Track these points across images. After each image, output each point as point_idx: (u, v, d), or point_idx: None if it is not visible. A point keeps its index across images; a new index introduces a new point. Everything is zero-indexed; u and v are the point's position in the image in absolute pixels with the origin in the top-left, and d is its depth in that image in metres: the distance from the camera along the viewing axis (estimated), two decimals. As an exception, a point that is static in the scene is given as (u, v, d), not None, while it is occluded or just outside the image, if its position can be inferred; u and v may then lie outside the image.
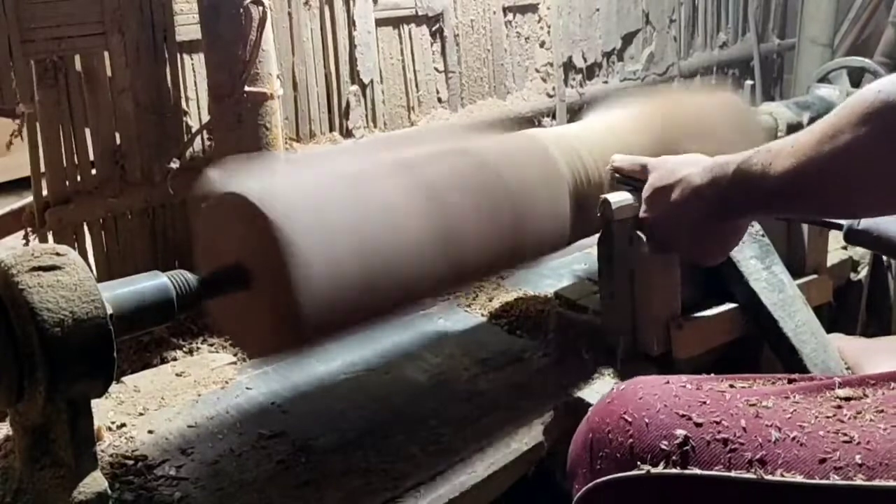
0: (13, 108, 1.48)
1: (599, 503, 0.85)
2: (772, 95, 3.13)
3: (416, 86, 2.07)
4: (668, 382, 0.90)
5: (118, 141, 1.59)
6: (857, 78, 2.20)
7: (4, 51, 1.42)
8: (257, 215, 1.02)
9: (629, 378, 0.95)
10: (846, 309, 1.90)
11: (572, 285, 1.63)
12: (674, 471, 0.78)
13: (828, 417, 0.82)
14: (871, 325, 2.01)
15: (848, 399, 0.85)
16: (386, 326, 1.36)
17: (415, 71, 2.06)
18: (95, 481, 0.91)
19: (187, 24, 1.61)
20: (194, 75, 1.66)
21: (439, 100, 2.12)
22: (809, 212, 1.17)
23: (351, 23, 1.89)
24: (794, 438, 0.79)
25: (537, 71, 2.35)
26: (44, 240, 1.55)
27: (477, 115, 2.17)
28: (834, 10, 2.86)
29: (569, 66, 2.42)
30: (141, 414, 1.27)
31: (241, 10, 1.46)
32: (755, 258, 1.37)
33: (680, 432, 0.80)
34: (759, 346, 1.41)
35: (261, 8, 1.48)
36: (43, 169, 1.53)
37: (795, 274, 1.44)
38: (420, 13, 2.03)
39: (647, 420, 0.83)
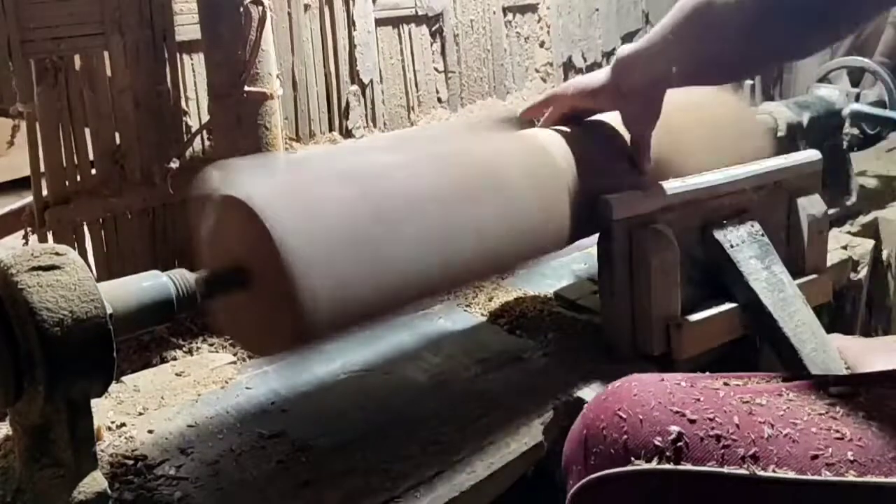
0: (13, 108, 1.48)
1: (592, 499, 0.85)
2: (771, 95, 3.12)
3: (416, 86, 2.07)
4: (662, 380, 0.91)
5: (118, 141, 1.59)
6: (856, 78, 2.20)
7: (4, 51, 1.42)
8: (257, 216, 1.02)
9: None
10: (846, 309, 1.91)
11: (572, 285, 1.63)
12: (667, 466, 0.79)
13: (820, 415, 0.83)
14: (871, 324, 2.01)
15: (841, 397, 0.86)
16: (386, 326, 1.36)
17: (414, 71, 2.06)
18: (95, 481, 0.91)
19: (187, 24, 1.61)
20: (194, 75, 1.66)
21: (439, 100, 2.12)
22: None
23: (351, 23, 1.89)
24: (786, 435, 0.80)
25: (537, 71, 2.35)
26: (43, 239, 1.55)
27: (477, 115, 2.17)
28: (834, 10, 2.85)
29: (569, 66, 2.42)
30: (141, 413, 1.27)
31: (241, 10, 1.46)
32: (755, 258, 1.37)
33: (674, 428, 0.81)
34: (758, 346, 1.41)
35: (260, 8, 1.48)
36: (42, 169, 1.53)
37: (795, 274, 1.44)
38: (420, 13, 2.03)
39: (641, 416, 0.84)
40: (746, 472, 0.77)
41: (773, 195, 1.47)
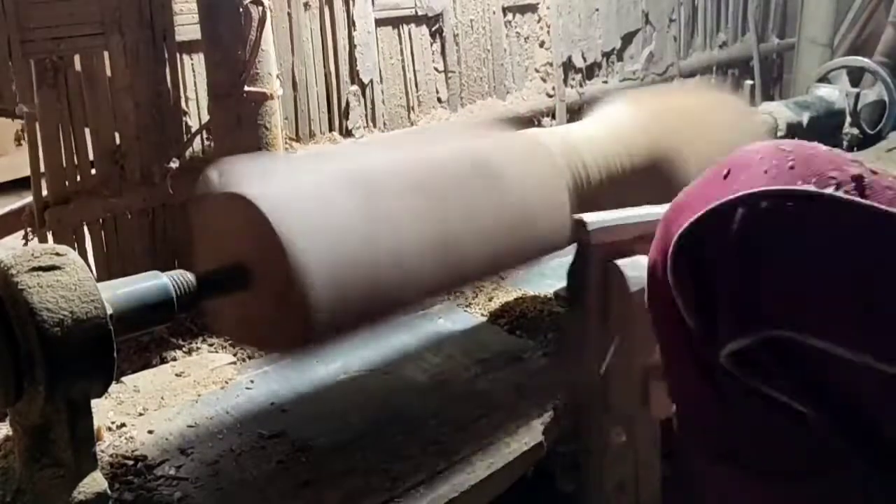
0: (13, 109, 1.48)
1: (736, 217, 0.70)
2: (771, 95, 3.12)
3: (416, 86, 2.07)
4: None
5: (118, 141, 1.59)
6: (856, 77, 2.20)
7: (4, 51, 1.42)
8: (261, 215, 1.02)
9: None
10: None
11: (572, 285, 1.63)
12: (844, 195, 0.67)
13: None
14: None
15: None
16: (386, 327, 1.36)
17: (414, 71, 2.06)
18: (95, 481, 0.91)
19: (187, 24, 1.61)
20: (194, 75, 1.66)
21: (439, 100, 2.12)
22: None
23: (351, 23, 1.89)
24: None
25: (537, 71, 2.35)
26: (43, 240, 1.55)
27: (477, 115, 2.17)
28: (833, 11, 2.86)
29: (568, 65, 2.42)
30: (141, 414, 1.27)
31: (241, 10, 1.46)
32: None
33: (854, 170, 0.69)
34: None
35: (260, 8, 1.48)
36: (42, 169, 1.53)
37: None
38: (420, 13, 2.03)
39: (811, 152, 0.73)
40: None
41: None
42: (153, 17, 1.57)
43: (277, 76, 1.58)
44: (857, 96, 2.10)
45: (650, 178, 1.41)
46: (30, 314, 0.83)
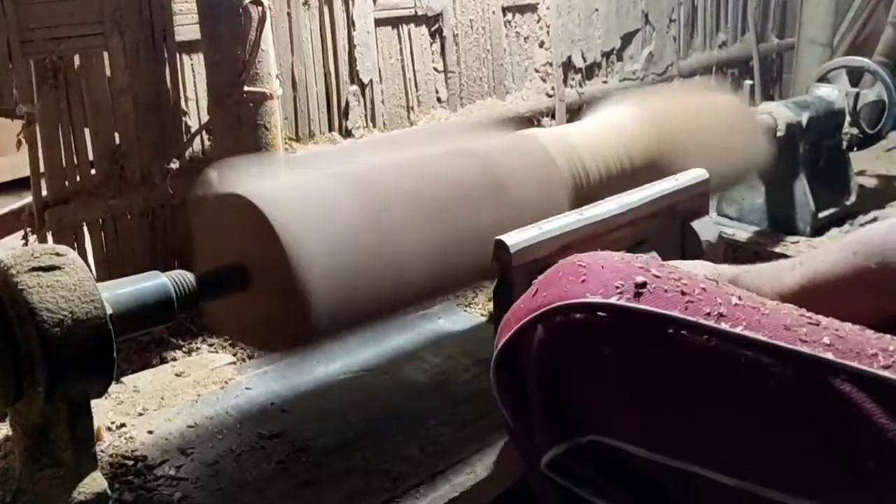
0: (13, 109, 1.47)
1: (537, 334, 0.77)
2: (771, 95, 3.13)
3: (416, 86, 2.07)
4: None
5: (117, 141, 1.59)
6: (856, 77, 2.20)
7: (4, 51, 1.42)
8: (258, 216, 1.02)
9: None
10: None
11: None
12: (625, 303, 0.72)
13: (793, 309, 0.75)
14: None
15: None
16: (386, 326, 1.36)
17: (414, 71, 2.06)
18: (95, 481, 0.91)
19: (186, 24, 1.61)
20: (194, 75, 1.66)
21: (438, 100, 2.12)
22: None
23: (350, 23, 1.89)
24: (755, 308, 0.72)
25: (536, 71, 2.35)
26: (43, 240, 1.55)
27: (476, 115, 2.16)
28: (833, 10, 2.86)
29: (568, 65, 2.42)
30: (140, 414, 1.27)
31: (241, 10, 1.46)
32: None
33: (640, 278, 0.74)
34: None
35: (260, 8, 1.48)
36: (42, 169, 1.53)
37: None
38: (419, 13, 2.03)
39: (603, 265, 0.78)
40: (714, 324, 0.69)
41: (667, 221, 1.33)
42: (153, 18, 1.57)
43: (277, 76, 1.58)
44: (857, 96, 2.09)
45: (650, 178, 1.41)
46: (30, 314, 0.84)
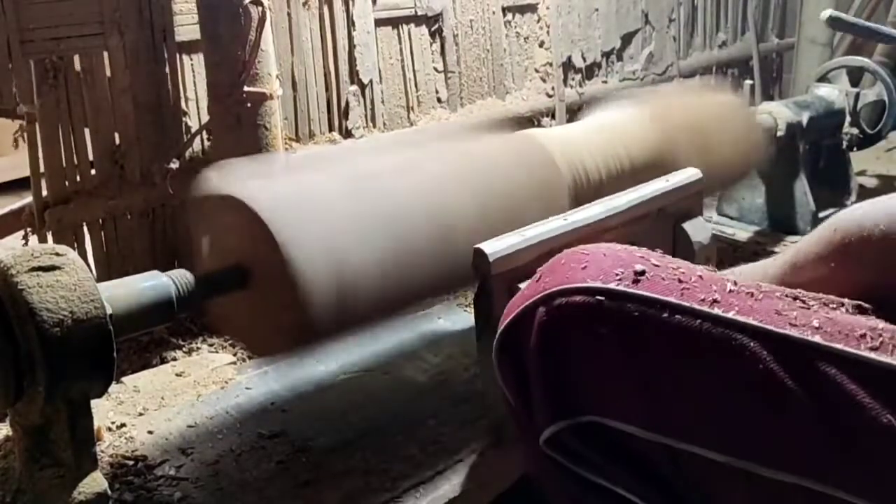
0: (14, 109, 1.48)
1: (538, 316, 0.79)
2: (771, 95, 3.13)
3: (416, 86, 2.07)
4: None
5: (117, 141, 1.59)
6: (856, 77, 2.20)
7: (4, 51, 1.42)
8: (257, 217, 1.02)
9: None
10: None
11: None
12: (624, 288, 0.75)
13: (786, 295, 0.78)
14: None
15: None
16: (386, 326, 1.36)
17: (414, 71, 2.06)
18: (95, 481, 0.91)
19: (186, 25, 1.61)
20: (194, 75, 1.66)
21: (438, 100, 2.12)
22: None
23: (350, 23, 1.89)
24: (749, 293, 0.75)
25: (536, 71, 2.35)
26: (43, 240, 1.55)
27: (476, 115, 2.17)
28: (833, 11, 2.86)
29: (568, 65, 2.42)
30: (141, 414, 1.27)
31: (241, 10, 1.46)
32: None
33: (639, 266, 0.78)
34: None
35: (260, 8, 1.48)
36: (42, 169, 1.53)
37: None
38: (419, 13, 2.03)
39: (605, 253, 0.81)
40: (707, 309, 0.73)
41: (658, 223, 1.31)
42: (153, 18, 1.57)
43: (277, 76, 1.58)
44: (857, 96, 2.09)
45: (650, 178, 1.41)
46: (30, 314, 0.84)
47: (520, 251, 1.08)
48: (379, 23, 1.96)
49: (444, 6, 2.07)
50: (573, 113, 2.38)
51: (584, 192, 1.37)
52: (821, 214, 2.02)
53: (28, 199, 1.60)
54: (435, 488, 1.08)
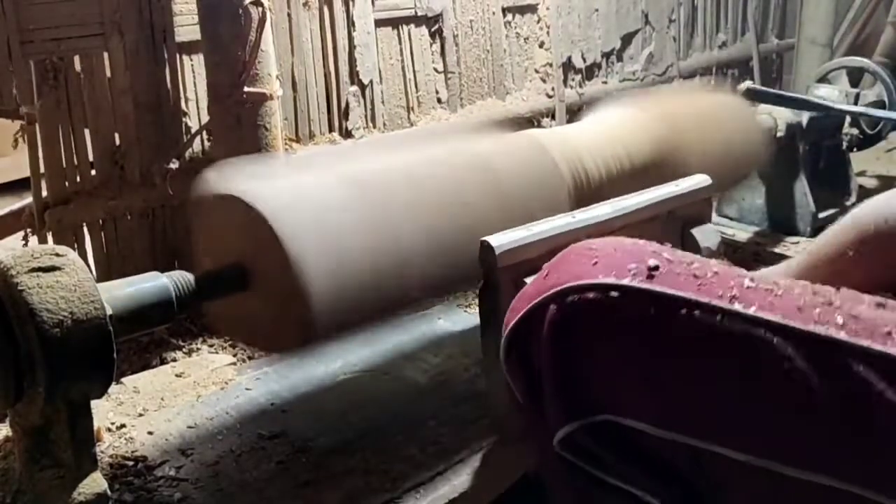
0: (14, 109, 1.48)
1: (549, 313, 0.77)
2: (771, 95, 3.12)
3: (416, 86, 2.07)
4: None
5: (117, 142, 1.59)
6: (856, 78, 2.20)
7: (4, 52, 1.42)
8: (257, 217, 1.02)
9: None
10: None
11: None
12: (637, 284, 0.73)
13: (809, 289, 0.76)
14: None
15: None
16: (386, 327, 1.36)
17: (414, 71, 2.06)
18: (95, 482, 0.91)
19: (187, 25, 1.61)
20: (194, 76, 1.66)
21: (439, 100, 2.12)
22: None
23: (350, 23, 1.89)
24: (768, 290, 0.72)
25: (536, 71, 2.35)
26: (43, 240, 1.55)
27: (476, 116, 2.16)
28: (833, 11, 2.86)
29: (568, 66, 2.42)
30: (141, 415, 1.27)
31: (241, 10, 1.46)
32: None
33: (652, 261, 0.75)
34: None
35: (260, 9, 1.48)
36: (42, 170, 1.53)
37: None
38: (419, 14, 2.03)
39: (615, 248, 0.79)
40: (727, 305, 0.70)
41: (666, 226, 1.31)
42: (153, 18, 1.57)
43: (277, 77, 1.58)
44: (857, 97, 2.09)
45: (650, 178, 1.41)
46: (30, 315, 0.84)
47: (526, 245, 1.08)
48: (379, 23, 1.96)
49: (444, 7, 2.07)
50: (573, 113, 2.38)
51: (584, 192, 1.37)
52: (821, 215, 2.02)
53: (28, 199, 1.60)
54: (435, 489, 1.08)
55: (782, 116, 1.92)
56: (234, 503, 1.07)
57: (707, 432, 0.72)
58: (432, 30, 2.08)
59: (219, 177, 1.10)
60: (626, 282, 0.74)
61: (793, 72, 3.03)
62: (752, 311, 0.70)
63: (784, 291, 0.73)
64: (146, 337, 1.50)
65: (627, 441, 0.76)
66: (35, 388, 0.87)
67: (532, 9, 2.31)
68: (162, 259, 1.64)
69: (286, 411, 1.27)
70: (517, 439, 1.13)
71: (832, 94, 2.11)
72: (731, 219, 2.13)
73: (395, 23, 2.00)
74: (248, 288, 1.06)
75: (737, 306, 0.70)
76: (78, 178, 1.56)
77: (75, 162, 1.55)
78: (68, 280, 0.87)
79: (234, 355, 1.47)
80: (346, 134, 1.93)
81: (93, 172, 1.58)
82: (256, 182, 1.08)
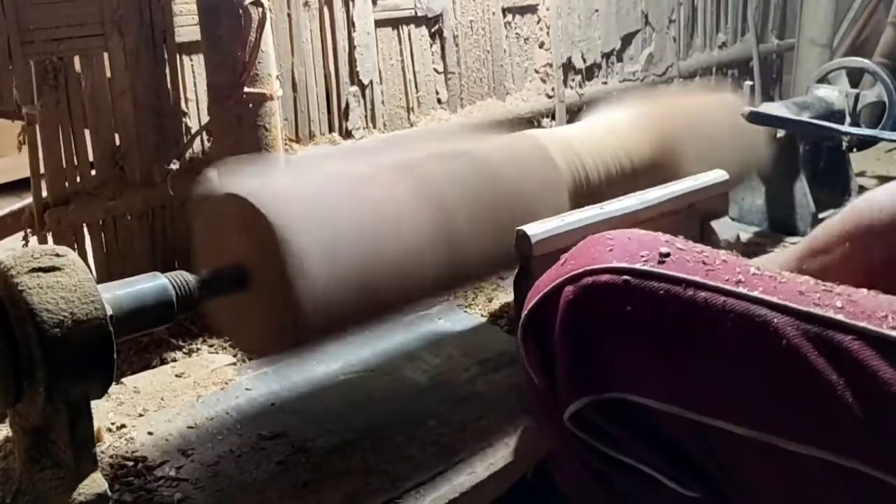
0: (14, 110, 1.48)
1: (565, 295, 0.81)
2: (771, 96, 3.13)
3: (416, 86, 2.07)
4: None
5: (118, 142, 1.59)
6: (856, 78, 2.20)
7: (4, 52, 1.42)
8: (257, 217, 1.02)
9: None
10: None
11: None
12: (649, 268, 0.78)
13: (812, 280, 0.81)
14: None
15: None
16: (385, 327, 1.36)
17: (414, 72, 2.06)
18: (95, 482, 0.91)
19: (187, 26, 1.61)
20: (194, 76, 1.66)
21: (439, 100, 2.12)
22: None
23: (350, 24, 1.89)
24: (772, 276, 0.78)
25: (536, 72, 2.35)
26: (43, 241, 1.55)
27: (476, 116, 2.16)
28: (833, 11, 2.86)
29: (568, 66, 2.42)
30: (141, 415, 1.27)
31: (241, 11, 1.46)
32: None
33: (664, 249, 0.80)
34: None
35: (260, 9, 1.48)
36: (42, 170, 1.53)
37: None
38: (419, 14, 2.03)
39: (629, 237, 0.84)
40: (732, 287, 0.75)
41: (687, 220, 1.38)
42: (153, 19, 1.57)
43: (277, 77, 1.58)
44: (857, 97, 2.09)
45: (650, 179, 1.41)
46: (30, 315, 0.84)
47: (560, 234, 1.14)
48: (379, 24, 1.96)
49: (444, 7, 2.07)
50: (573, 114, 2.38)
51: (583, 193, 1.37)
52: (821, 215, 2.02)
53: (28, 199, 1.59)
54: (435, 489, 1.08)
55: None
56: (234, 503, 1.07)
57: (709, 407, 0.75)
58: (432, 30, 2.08)
59: (219, 177, 1.10)
60: (637, 265, 0.78)
61: (793, 72, 3.03)
62: (755, 293, 0.74)
63: (788, 279, 0.77)
64: (146, 337, 1.50)
65: (636, 418, 0.79)
66: (35, 389, 0.87)
67: (532, 9, 2.31)
68: (162, 259, 1.64)
69: (286, 411, 1.27)
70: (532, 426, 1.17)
71: (832, 95, 2.11)
72: (731, 219, 2.12)
73: (395, 23, 2.00)
74: (248, 288, 1.07)
75: (741, 289, 0.75)
76: (78, 179, 1.56)
77: (75, 162, 1.55)
78: (68, 280, 0.87)
79: (235, 356, 1.47)
80: (346, 134, 1.93)
81: (93, 173, 1.58)
82: (256, 180, 1.09)
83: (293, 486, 1.09)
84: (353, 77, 1.92)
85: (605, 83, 2.54)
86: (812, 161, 2.05)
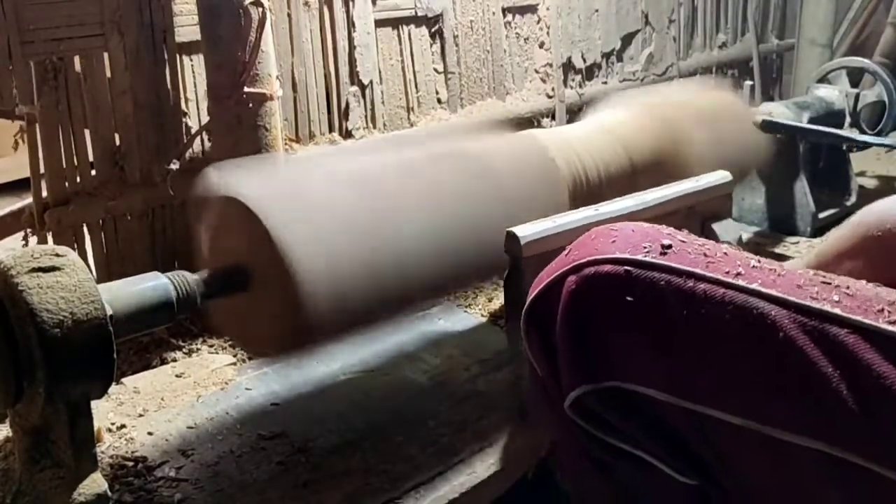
0: (13, 110, 1.48)
1: (567, 284, 0.82)
2: (771, 96, 3.13)
3: (416, 86, 2.07)
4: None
5: (118, 142, 1.59)
6: (856, 78, 2.20)
7: (4, 52, 1.42)
8: (257, 218, 1.02)
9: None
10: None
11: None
12: (650, 259, 0.79)
13: (811, 273, 0.82)
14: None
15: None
16: (386, 327, 1.36)
17: (414, 72, 2.06)
18: (95, 482, 0.91)
19: (187, 26, 1.61)
20: (194, 76, 1.66)
21: (439, 100, 2.12)
22: None
23: (350, 24, 1.89)
24: (772, 269, 0.79)
25: (537, 72, 2.35)
26: (43, 241, 1.55)
27: (476, 116, 2.16)
28: (833, 11, 2.86)
29: (568, 66, 2.42)
30: (141, 415, 1.27)
31: (241, 11, 1.46)
32: None
33: (666, 241, 0.81)
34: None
35: (260, 9, 1.48)
36: (42, 170, 1.53)
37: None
38: (419, 14, 2.03)
39: (633, 229, 0.85)
40: (731, 280, 0.76)
41: (687, 221, 1.35)
42: (153, 19, 1.57)
43: (277, 77, 1.58)
44: (857, 97, 2.10)
45: (650, 178, 1.41)
46: (30, 315, 0.84)
47: (550, 236, 1.13)
48: (379, 23, 1.96)
49: (444, 7, 2.07)
50: (573, 114, 2.38)
51: (583, 192, 1.37)
52: (821, 215, 2.02)
53: (28, 199, 1.59)
54: (435, 489, 1.08)
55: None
56: (234, 503, 1.07)
57: (707, 397, 0.76)
58: (432, 30, 2.08)
59: (219, 177, 1.10)
60: (639, 256, 0.79)
61: (793, 72, 3.03)
62: (754, 286, 0.75)
63: (788, 273, 0.78)
64: (146, 337, 1.50)
65: (635, 407, 0.80)
66: (35, 389, 0.87)
67: (532, 9, 2.31)
68: (162, 259, 1.64)
69: (286, 411, 1.27)
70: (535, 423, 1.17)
71: (832, 95, 2.11)
72: (731, 219, 2.13)
73: (395, 23, 2.00)
74: (248, 289, 1.07)
75: (740, 281, 0.76)
76: (78, 179, 1.56)
77: (75, 162, 1.55)
78: (68, 280, 0.87)
79: (234, 356, 1.47)
80: (347, 134, 1.93)
81: (93, 173, 1.58)
82: (255, 182, 1.09)
83: (293, 486, 1.09)
84: (353, 77, 1.92)
85: (605, 83, 2.54)
86: (812, 161, 2.05)
